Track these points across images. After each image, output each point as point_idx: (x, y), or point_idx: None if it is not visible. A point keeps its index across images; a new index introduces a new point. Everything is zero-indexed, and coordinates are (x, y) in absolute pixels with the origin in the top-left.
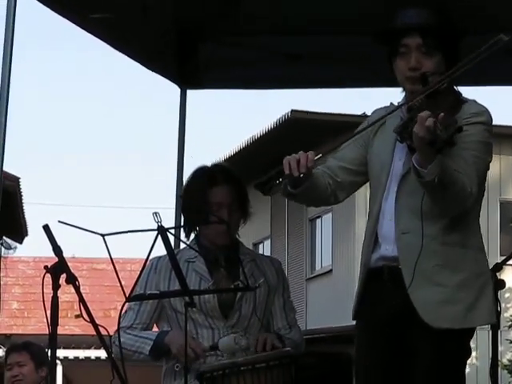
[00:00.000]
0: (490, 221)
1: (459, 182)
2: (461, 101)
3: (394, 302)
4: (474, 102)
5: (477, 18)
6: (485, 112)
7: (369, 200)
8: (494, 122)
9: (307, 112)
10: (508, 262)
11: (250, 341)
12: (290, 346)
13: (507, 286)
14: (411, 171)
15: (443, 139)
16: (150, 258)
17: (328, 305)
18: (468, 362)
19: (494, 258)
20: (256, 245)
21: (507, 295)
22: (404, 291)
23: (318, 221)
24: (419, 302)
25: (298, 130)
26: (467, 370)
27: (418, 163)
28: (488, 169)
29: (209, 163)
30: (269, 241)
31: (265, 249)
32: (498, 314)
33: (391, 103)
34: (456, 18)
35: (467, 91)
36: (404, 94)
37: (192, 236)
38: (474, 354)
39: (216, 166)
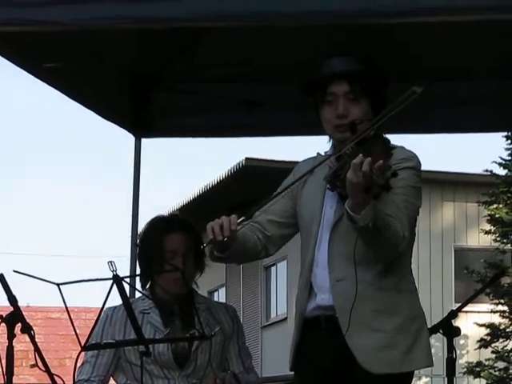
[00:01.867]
0: (444, 268)
1: (392, 227)
2: (390, 147)
3: (333, 350)
4: (402, 148)
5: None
6: (413, 157)
7: (301, 251)
8: (448, 170)
9: (261, 160)
10: (463, 310)
11: None
12: None
13: (462, 332)
14: (344, 218)
15: (380, 184)
16: (105, 308)
17: (283, 353)
18: None
19: (449, 304)
20: (211, 293)
21: (462, 342)
22: (342, 339)
23: (273, 268)
24: (357, 348)
25: (252, 177)
26: None
27: (351, 209)
28: (418, 213)
29: (163, 212)
30: (224, 288)
31: (220, 296)
32: (454, 360)
33: (318, 153)
34: (381, 66)
35: (396, 138)
36: (331, 143)
37: (147, 286)
38: None
39: (172, 216)
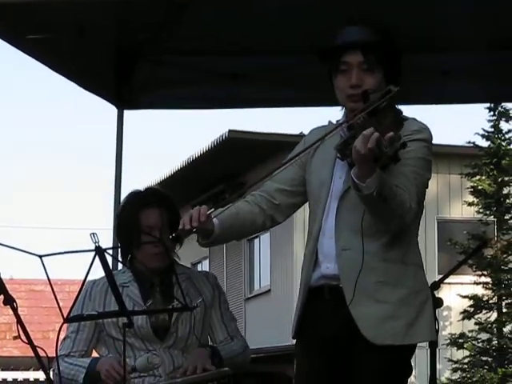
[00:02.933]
0: (427, 239)
1: (398, 197)
2: (401, 118)
3: (336, 320)
4: (414, 119)
5: (416, 37)
6: (425, 129)
7: (308, 219)
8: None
9: (244, 132)
10: (446, 281)
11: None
12: (230, 357)
13: (446, 304)
14: (352, 190)
15: (389, 155)
16: (87, 280)
17: (267, 325)
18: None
19: (432, 276)
20: (194, 265)
21: (445, 313)
22: (345, 309)
23: (256, 241)
24: (360, 318)
25: (235, 150)
26: None
27: (356, 177)
28: (427, 186)
29: (145, 184)
30: (207, 261)
31: (203, 268)
32: (436, 332)
33: (329, 122)
34: (396, 37)
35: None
36: (343, 112)
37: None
38: (413, 372)
39: (148, 190)
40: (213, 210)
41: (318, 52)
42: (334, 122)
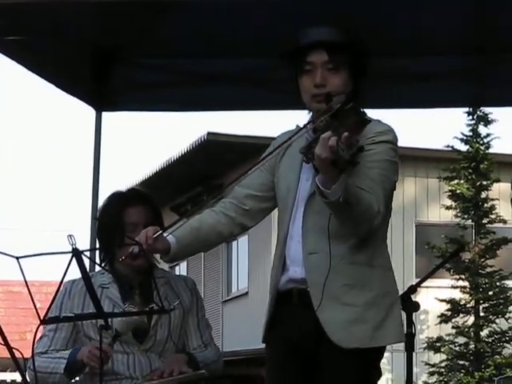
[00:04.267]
0: (405, 243)
1: (365, 201)
2: (365, 120)
3: (304, 324)
4: (379, 121)
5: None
6: (390, 131)
7: (277, 223)
8: (409, 145)
9: (223, 134)
10: (424, 285)
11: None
12: (204, 364)
13: (423, 307)
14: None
15: (345, 159)
16: (65, 281)
17: (244, 327)
18: None
19: (410, 280)
20: (172, 267)
21: (422, 317)
22: (313, 313)
23: (235, 243)
24: (328, 322)
25: (213, 152)
26: None
27: (321, 183)
28: (395, 188)
29: (124, 186)
30: (185, 263)
31: (181, 271)
32: (413, 335)
33: (297, 125)
34: (376, 41)
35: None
36: (310, 114)
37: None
38: (389, 376)
39: (131, 190)
40: (160, 232)
41: (284, 54)
42: (302, 125)
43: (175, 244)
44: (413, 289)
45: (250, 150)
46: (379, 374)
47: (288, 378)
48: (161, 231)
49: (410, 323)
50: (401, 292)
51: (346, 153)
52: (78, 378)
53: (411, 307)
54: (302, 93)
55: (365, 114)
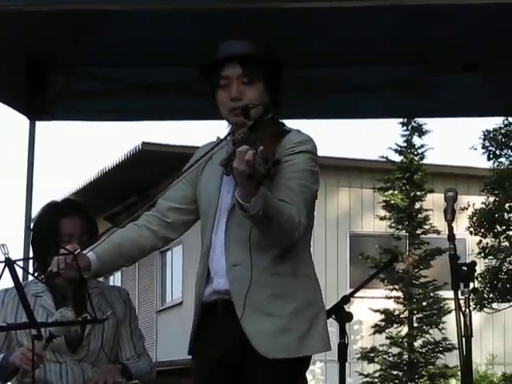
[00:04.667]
0: (339, 253)
1: (286, 213)
2: (284, 131)
3: (229, 335)
4: (298, 131)
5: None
6: (309, 141)
7: (201, 236)
8: (344, 156)
9: (158, 144)
10: (358, 295)
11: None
12: (138, 375)
13: (357, 318)
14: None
15: (261, 173)
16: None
17: (178, 337)
18: None
19: (344, 290)
20: (106, 277)
21: (356, 327)
22: (238, 324)
23: (169, 253)
24: (253, 333)
25: (148, 162)
26: None
27: (241, 197)
28: (316, 197)
29: (59, 196)
30: (119, 273)
31: (115, 280)
32: (346, 345)
33: (218, 137)
34: (278, 51)
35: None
36: (230, 126)
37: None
38: None
39: (66, 200)
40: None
41: (200, 69)
42: (222, 137)
43: (96, 261)
44: (346, 299)
45: (184, 160)
46: (306, 383)
47: None
48: (79, 249)
49: (343, 333)
50: (334, 302)
51: (262, 167)
52: None
53: (344, 317)
54: (220, 107)
55: (283, 124)
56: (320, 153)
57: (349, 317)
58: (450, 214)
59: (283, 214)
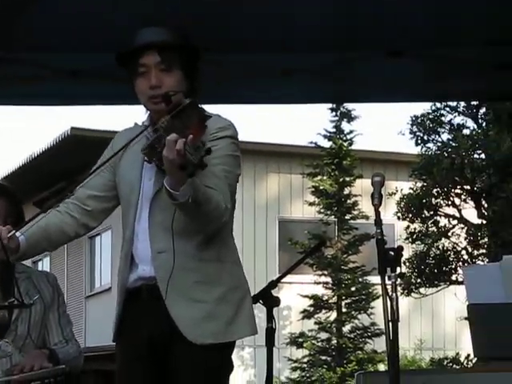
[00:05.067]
0: (268, 239)
1: (213, 199)
2: (206, 116)
3: (155, 321)
4: (218, 116)
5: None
6: (230, 126)
7: (122, 223)
8: (273, 141)
9: (87, 129)
10: (286, 280)
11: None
12: (65, 360)
13: (286, 303)
14: (163, 189)
15: (194, 163)
16: None
17: (107, 322)
18: (247, 379)
19: (273, 276)
20: (35, 262)
21: (285, 313)
22: (164, 310)
23: (98, 238)
24: (180, 319)
25: (77, 147)
26: None
27: (169, 185)
28: (238, 182)
29: None
30: (48, 258)
31: (44, 266)
32: (273, 330)
33: (135, 123)
34: (197, 37)
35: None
36: (148, 113)
37: None
38: (252, 371)
39: None
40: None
41: (117, 57)
42: (140, 123)
43: (24, 242)
44: (273, 284)
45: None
46: (232, 368)
47: (140, 377)
48: (14, 231)
49: (271, 318)
50: (262, 287)
51: (194, 157)
52: None
53: (272, 302)
54: (139, 94)
55: (204, 110)
56: (249, 138)
57: (276, 301)
58: (376, 199)
59: (211, 200)
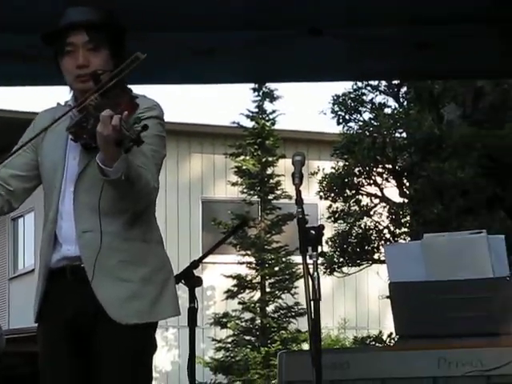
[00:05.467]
0: (192, 220)
1: (143, 177)
2: (133, 97)
3: (80, 301)
4: (144, 96)
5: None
6: (157, 106)
7: (44, 203)
8: (196, 122)
9: (8, 111)
10: (210, 260)
11: None
12: None
13: (209, 283)
14: (88, 169)
15: (131, 138)
16: None
17: (30, 304)
18: (171, 359)
19: (197, 256)
20: None
21: (209, 293)
22: (89, 289)
23: (21, 220)
24: (105, 299)
25: None
26: (170, 367)
27: (102, 162)
28: (162, 163)
29: None
30: None
31: None
32: (195, 310)
33: (58, 103)
34: (120, 16)
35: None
36: (72, 93)
37: None
38: (176, 351)
39: None
40: None
41: (42, 36)
42: (63, 103)
43: None
44: (195, 264)
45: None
46: (155, 348)
47: (64, 357)
48: None
49: (193, 298)
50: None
51: (131, 132)
52: None
53: (194, 282)
54: (65, 73)
55: (131, 90)
56: (172, 119)
57: (198, 281)
58: (297, 178)
59: (141, 178)
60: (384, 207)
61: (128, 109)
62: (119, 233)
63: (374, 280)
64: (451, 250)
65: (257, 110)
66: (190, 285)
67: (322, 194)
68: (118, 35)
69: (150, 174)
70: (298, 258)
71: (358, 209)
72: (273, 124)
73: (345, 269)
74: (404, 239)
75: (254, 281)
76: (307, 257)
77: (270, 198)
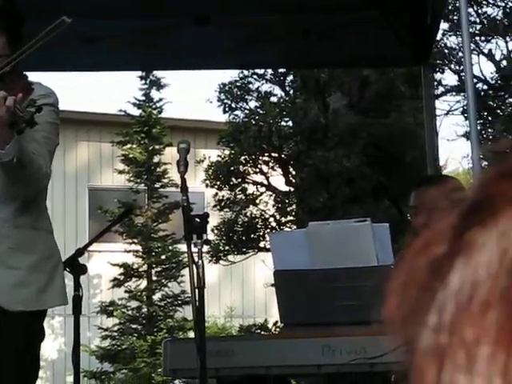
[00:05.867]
0: (78, 208)
1: (35, 162)
2: (29, 82)
3: None
4: (40, 84)
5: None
6: (52, 94)
7: None
8: (82, 109)
9: None
10: (96, 249)
11: None
12: None
13: (96, 272)
14: None
15: (25, 119)
16: None
17: None
18: (57, 348)
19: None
20: None
21: (96, 281)
22: None
23: None
24: None
25: None
26: (56, 356)
27: None
28: (55, 150)
29: None
30: None
31: None
32: (80, 298)
33: None
34: (18, 3)
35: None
36: None
37: None
38: (62, 340)
39: None
40: None
41: None
42: None
43: None
44: (80, 252)
45: None
46: (44, 336)
47: None
48: None
49: (78, 286)
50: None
51: (25, 113)
52: None
53: (79, 270)
54: None
55: (27, 76)
56: (59, 106)
57: (83, 270)
58: (182, 166)
59: (33, 162)
60: (270, 196)
61: (23, 92)
62: (9, 219)
63: (261, 268)
64: (335, 238)
65: (144, 98)
66: (75, 273)
67: (207, 182)
68: (15, 21)
69: (42, 160)
70: (184, 247)
71: (243, 197)
72: (160, 112)
73: (231, 257)
74: (290, 227)
75: (140, 269)
76: (192, 245)
77: (156, 186)
